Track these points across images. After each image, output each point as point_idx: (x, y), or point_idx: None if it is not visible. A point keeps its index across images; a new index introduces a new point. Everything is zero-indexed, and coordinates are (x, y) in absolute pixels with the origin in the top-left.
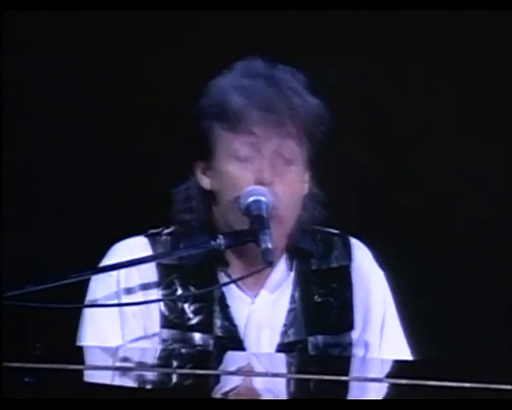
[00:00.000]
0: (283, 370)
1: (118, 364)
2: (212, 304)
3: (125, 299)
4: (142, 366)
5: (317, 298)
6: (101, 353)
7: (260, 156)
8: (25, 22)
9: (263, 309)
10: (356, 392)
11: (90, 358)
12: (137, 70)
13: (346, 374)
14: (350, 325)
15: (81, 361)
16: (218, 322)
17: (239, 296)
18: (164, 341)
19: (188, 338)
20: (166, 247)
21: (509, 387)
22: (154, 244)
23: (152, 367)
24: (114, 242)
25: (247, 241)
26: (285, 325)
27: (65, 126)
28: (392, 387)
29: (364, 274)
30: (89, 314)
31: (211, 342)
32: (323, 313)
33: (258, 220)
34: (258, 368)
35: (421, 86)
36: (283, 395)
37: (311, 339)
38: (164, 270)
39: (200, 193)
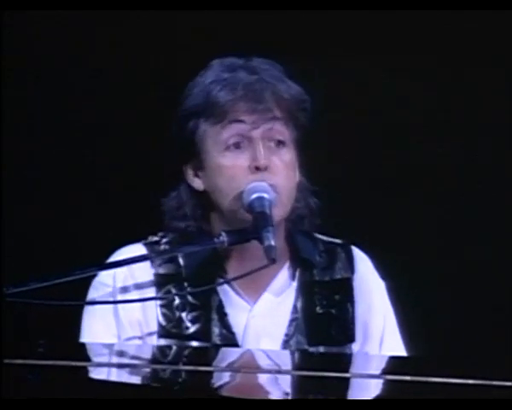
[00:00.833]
0: (285, 367)
1: (118, 360)
2: (210, 312)
3: (122, 308)
4: (145, 362)
5: (319, 309)
6: (102, 350)
7: (251, 143)
8: (25, 22)
9: (262, 315)
10: (357, 388)
11: (92, 355)
12: (137, 70)
13: (348, 371)
14: (351, 338)
15: (84, 358)
16: (216, 330)
17: (238, 303)
18: None
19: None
20: (164, 256)
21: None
22: (152, 253)
23: (156, 364)
24: (116, 239)
25: (250, 238)
26: (286, 335)
27: (65, 126)
28: (394, 383)
29: (366, 287)
30: (86, 324)
31: None
32: (325, 325)
33: (261, 217)
34: (258, 365)
35: (422, 87)
36: (286, 392)
37: (312, 350)
38: (161, 279)
39: (192, 197)
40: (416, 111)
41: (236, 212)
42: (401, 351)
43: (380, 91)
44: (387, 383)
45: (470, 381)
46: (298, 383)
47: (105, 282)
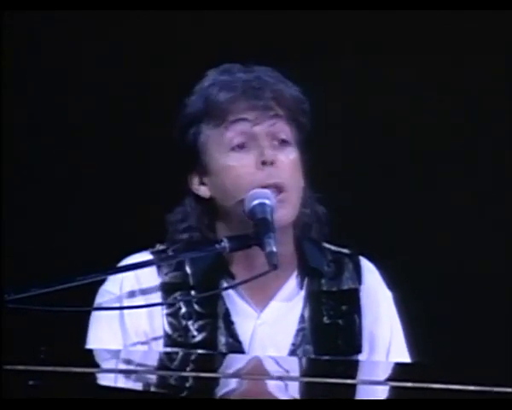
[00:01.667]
0: (291, 373)
1: (121, 366)
2: (217, 321)
3: (128, 316)
4: (150, 369)
5: (326, 319)
6: (105, 356)
7: (256, 140)
8: (25, 22)
9: (269, 323)
10: (362, 395)
11: (95, 361)
12: (138, 70)
13: (353, 377)
14: (358, 349)
15: (85, 364)
16: (222, 339)
17: (245, 311)
18: None
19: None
20: (171, 264)
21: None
22: (159, 261)
23: (161, 370)
24: (119, 244)
25: (252, 244)
26: (293, 344)
27: (65, 127)
28: (399, 390)
29: (373, 298)
30: (92, 332)
31: None
32: (332, 335)
33: (262, 223)
34: (264, 371)
35: (426, 90)
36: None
37: None
38: (168, 288)
39: (198, 207)
40: (430, 119)
41: (243, 214)
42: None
43: (390, 99)
44: (394, 390)
45: (473, 387)
46: (304, 390)
47: (111, 290)
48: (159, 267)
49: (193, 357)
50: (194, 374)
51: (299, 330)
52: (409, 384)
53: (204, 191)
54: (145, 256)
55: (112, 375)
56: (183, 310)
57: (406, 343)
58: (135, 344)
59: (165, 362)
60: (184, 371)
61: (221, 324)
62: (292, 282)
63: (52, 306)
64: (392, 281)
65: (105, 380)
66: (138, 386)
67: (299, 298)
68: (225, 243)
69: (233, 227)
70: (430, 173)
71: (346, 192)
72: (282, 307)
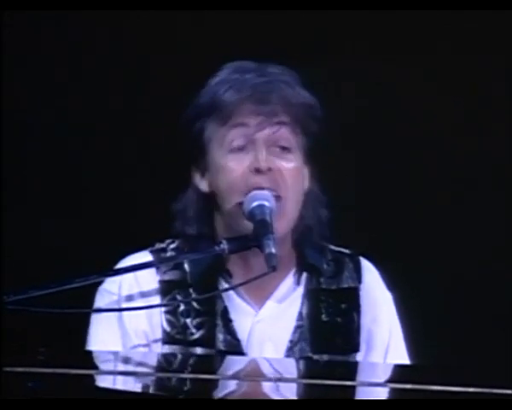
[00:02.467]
0: (289, 375)
1: (120, 368)
2: (215, 318)
3: (127, 315)
4: (150, 370)
5: (324, 317)
6: (105, 357)
7: (255, 145)
8: (25, 22)
9: (267, 321)
10: (361, 397)
11: (95, 362)
12: (138, 70)
13: (353, 379)
14: (355, 348)
15: (85, 366)
16: (220, 336)
17: (243, 309)
18: None
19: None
20: (170, 263)
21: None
22: (158, 260)
23: (160, 372)
24: (120, 244)
25: (251, 246)
26: (291, 342)
27: (65, 126)
28: (398, 392)
29: (373, 297)
30: (93, 332)
31: None
32: (330, 333)
33: (261, 225)
34: (263, 373)
35: (426, 91)
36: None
37: (316, 357)
38: (166, 286)
39: (198, 200)
40: (431, 120)
41: (236, 216)
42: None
43: (390, 99)
44: (393, 392)
45: (472, 389)
46: (303, 392)
47: (110, 289)
48: (158, 265)
49: (192, 358)
50: (192, 376)
51: (296, 328)
52: (408, 386)
53: (204, 186)
54: (144, 256)
55: (111, 377)
56: (182, 308)
57: (405, 344)
58: (134, 343)
59: (165, 364)
60: (183, 372)
61: (219, 321)
62: (289, 280)
63: (51, 307)
64: (392, 282)
65: (104, 382)
66: (137, 388)
67: (297, 296)
68: (224, 245)
69: (229, 223)
70: (431, 174)
71: (346, 193)
72: (279, 305)
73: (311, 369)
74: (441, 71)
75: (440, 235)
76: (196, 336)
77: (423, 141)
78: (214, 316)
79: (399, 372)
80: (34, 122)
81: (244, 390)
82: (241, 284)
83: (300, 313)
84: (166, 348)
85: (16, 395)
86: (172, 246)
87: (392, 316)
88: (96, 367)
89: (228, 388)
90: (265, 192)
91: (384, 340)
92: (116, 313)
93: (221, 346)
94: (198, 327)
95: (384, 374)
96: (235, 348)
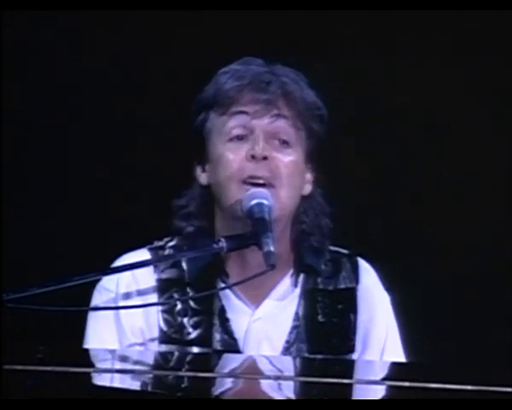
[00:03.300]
0: (287, 373)
1: (119, 366)
2: (212, 318)
3: (124, 313)
4: (147, 368)
5: (321, 318)
6: (103, 355)
7: (253, 134)
8: (25, 22)
9: (263, 321)
10: (359, 395)
11: (93, 360)
12: (138, 69)
13: (350, 377)
14: (352, 348)
15: (84, 364)
16: (217, 336)
17: (240, 308)
18: None
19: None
20: (168, 261)
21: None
22: (155, 258)
23: (158, 370)
24: (118, 243)
25: (250, 244)
26: (287, 342)
27: (65, 126)
28: (395, 389)
29: (370, 298)
30: (90, 329)
31: None
32: (326, 334)
33: (260, 223)
34: (260, 371)
35: (426, 91)
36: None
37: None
38: (164, 284)
39: (200, 194)
40: (431, 120)
41: (234, 203)
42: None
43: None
44: (390, 390)
45: (470, 387)
46: (300, 389)
47: (108, 287)
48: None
49: (189, 357)
50: (190, 374)
51: (293, 328)
52: (406, 384)
53: (203, 179)
54: (143, 253)
55: (109, 375)
56: (179, 307)
57: (402, 346)
58: (130, 341)
59: (162, 362)
60: (180, 370)
61: (216, 320)
62: (287, 280)
63: (51, 306)
64: (390, 284)
65: (103, 380)
66: (135, 386)
67: (293, 296)
68: (223, 243)
69: (228, 214)
70: (430, 174)
71: (345, 193)
72: (276, 305)
73: (308, 367)
74: (441, 71)
75: (439, 236)
76: (193, 335)
77: (423, 140)
78: (211, 315)
79: (397, 370)
80: (34, 122)
81: (241, 388)
82: (238, 283)
83: (297, 314)
84: (163, 348)
85: (16, 394)
86: (171, 244)
87: (389, 317)
88: (94, 365)
89: (225, 386)
90: (264, 190)
91: (380, 340)
92: (113, 311)
93: (218, 345)
94: (195, 326)
95: (381, 372)
96: (232, 348)
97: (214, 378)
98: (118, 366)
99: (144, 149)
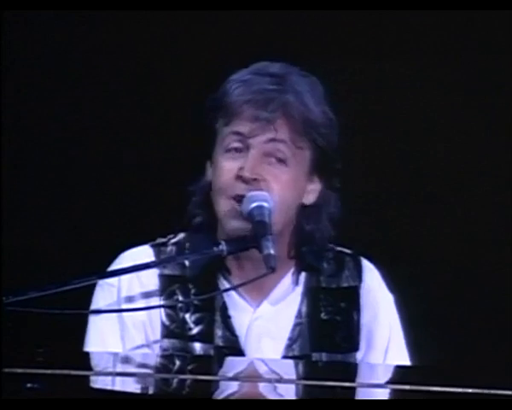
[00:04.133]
0: (289, 376)
1: (119, 369)
2: (214, 314)
3: (126, 307)
4: (148, 371)
5: (323, 315)
6: (103, 358)
7: (248, 152)
8: (25, 22)
9: (264, 318)
10: (361, 398)
11: (94, 363)
12: (138, 69)
13: (352, 380)
14: (355, 347)
15: (84, 367)
16: (218, 332)
17: (241, 306)
18: (164, 350)
19: (188, 348)
20: (170, 256)
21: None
22: (158, 255)
23: (159, 373)
24: (119, 246)
25: (250, 247)
26: (290, 339)
27: (65, 125)
28: (398, 393)
29: (373, 297)
30: (92, 325)
31: (211, 352)
32: (329, 331)
33: (260, 226)
34: (262, 374)
35: (426, 90)
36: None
37: (315, 355)
38: (165, 280)
39: (205, 186)
40: (432, 121)
41: (224, 215)
42: (406, 363)
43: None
44: (392, 393)
45: (471, 390)
46: (303, 393)
47: (110, 282)
48: (158, 259)
49: (191, 360)
50: (192, 377)
51: (295, 326)
52: (407, 387)
53: (208, 174)
54: (145, 250)
55: (110, 378)
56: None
57: (406, 345)
58: (132, 335)
59: (164, 365)
60: (182, 373)
61: (218, 317)
62: (288, 279)
63: (50, 308)
64: (393, 284)
65: (103, 383)
66: (137, 389)
67: (295, 294)
68: (223, 246)
69: (220, 220)
70: (434, 175)
71: (348, 193)
72: (277, 304)
73: (310, 370)
74: (441, 70)
75: (442, 236)
76: (195, 331)
77: (425, 141)
78: (213, 312)
79: (398, 373)
80: (34, 121)
81: (243, 392)
82: (240, 285)
83: (300, 311)
84: (165, 342)
85: (15, 396)
86: (173, 241)
87: (393, 316)
88: (95, 368)
89: (226, 389)
90: (264, 193)
91: (384, 339)
92: (115, 305)
93: (219, 342)
94: (197, 322)
95: (383, 375)
96: (233, 344)
97: (216, 381)
98: (119, 368)
99: (145, 147)
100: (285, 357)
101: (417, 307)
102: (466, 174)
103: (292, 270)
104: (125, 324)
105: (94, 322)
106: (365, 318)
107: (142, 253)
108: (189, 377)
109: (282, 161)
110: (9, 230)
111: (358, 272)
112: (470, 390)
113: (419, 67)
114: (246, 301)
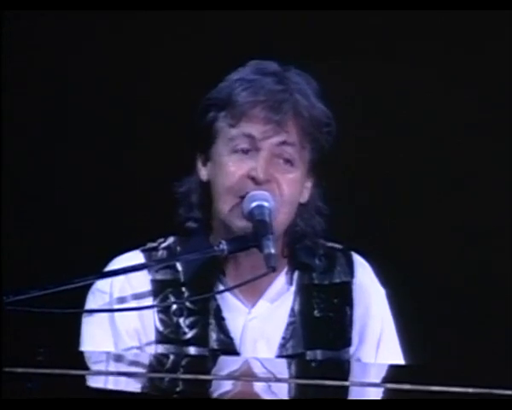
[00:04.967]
0: (283, 375)
1: (117, 369)
2: (208, 317)
3: (119, 315)
4: (144, 371)
5: (316, 313)
6: (101, 358)
7: (258, 153)
8: (25, 22)
9: (259, 319)
10: (354, 397)
11: (91, 363)
12: (137, 69)
13: (346, 379)
14: (348, 342)
15: (83, 367)
16: (213, 335)
17: (235, 306)
18: None
19: (183, 353)
20: (162, 261)
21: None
22: (149, 259)
23: (154, 372)
24: (115, 246)
25: (250, 246)
26: (284, 338)
27: (65, 126)
28: (392, 392)
29: (365, 292)
30: (85, 331)
31: (207, 355)
32: (323, 329)
33: (261, 225)
34: (256, 373)
35: (427, 90)
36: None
37: (309, 353)
38: (158, 285)
39: (199, 186)
40: (431, 119)
41: (230, 215)
42: (398, 358)
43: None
44: (386, 392)
45: (467, 389)
46: (297, 392)
47: (102, 289)
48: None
49: (185, 359)
50: (186, 376)
51: (289, 324)
52: (400, 386)
53: (203, 174)
54: (136, 255)
55: (108, 377)
56: (174, 307)
57: (399, 340)
58: (126, 342)
59: (159, 364)
60: (176, 373)
61: (212, 320)
62: (282, 278)
63: (51, 308)
64: (384, 278)
65: (101, 382)
66: (133, 388)
67: (289, 293)
68: (223, 246)
69: (223, 220)
70: (428, 169)
71: (340, 189)
72: (272, 303)
73: (304, 369)
74: (441, 70)
75: (435, 231)
76: (189, 335)
77: (422, 139)
78: (207, 315)
79: (392, 372)
80: (34, 121)
81: (238, 391)
82: (237, 286)
83: (292, 310)
84: (160, 348)
85: (16, 396)
86: (164, 245)
87: (385, 310)
88: (93, 368)
89: (220, 388)
90: (265, 192)
91: (376, 333)
92: (108, 313)
93: (214, 345)
94: (191, 326)
95: (377, 374)
96: (228, 347)
97: (210, 381)
98: (116, 368)
99: (145, 149)
100: (279, 356)
101: (409, 302)
102: (461, 169)
103: (285, 269)
104: (118, 331)
105: (87, 329)
106: (358, 313)
107: (133, 258)
108: (183, 376)
109: (289, 161)
110: (10, 229)
111: (350, 268)
112: (470, 390)
113: (418, 65)
114: (240, 301)
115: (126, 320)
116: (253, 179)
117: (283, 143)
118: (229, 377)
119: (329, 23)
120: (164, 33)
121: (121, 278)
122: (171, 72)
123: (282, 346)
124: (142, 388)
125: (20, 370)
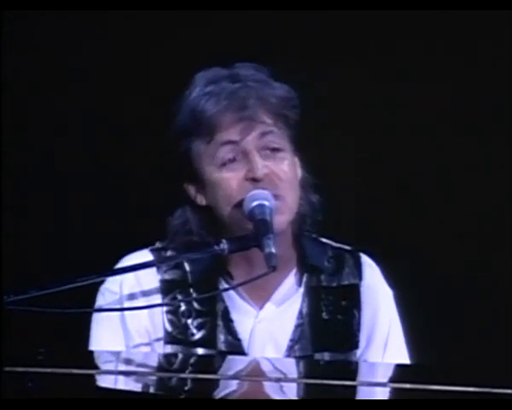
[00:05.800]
0: (291, 375)
1: (121, 368)
2: (216, 319)
3: (129, 315)
4: (150, 370)
5: (325, 315)
6: (106, 357)
7: (246, 155)
8: (25, 22)
9: (268, 321)
10: (362, 397)
11: (96, 362)
12: (137, 69)
13: (353, 379)
14: (356, 344)
15: (84, 366)
16: (221, 337)
17: (244, 309)
18: None
19: (191, 354)
20: (171, 262)
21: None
22: (158, 259)
23: (162, 372)
24: (118, 246)
25: (251, 245)
26: (291, 340)
27: (65, 126)
28: (400, 391)
29: (373, 294)
30: (94, 332)
31: None
32: (331, 331)
33: (261, 225)
34: (264, 373)
35: (426, 90)
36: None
37: (317, 356)
38: (167, 285)
39: (196, 213)
40: (433, 116)
41: (239, 223)
42: (404, 359)
43: (390, 98)
44: (394, 392)
45: (473, 389)
46: (304, 391)
47: (112, 289)
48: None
49: (192, 358)
50: (193, 376)
51: (297, 326)
52: (408, 386)
53: (200, 200)
54: (144, 254)
55: (112, 376)
56: (183, 308)
57: (405, 341)
58: (137, 342)
59: (165, 364)
60: (184, 372)
61: (220, 322)
62: (290, 279)
63: (52, 307)
64: (392, 280)
65: (104, 382)
66: (138, 387)
67: (297, 295)
68: (224, 245)
69: (232, 232)
70: (433, 170)
71: (347, 189)
72: (280, 305)
73: (312, 369)
74: (440, 70)
75: (442, 233)
76: (197, 336)
77: (424, 139)
78: (215, 316)
79: (400, 372)
80: (34, 121)
81: (245, 390)
82: (241, 284)
83: (301, 312)
84: (168, 348)
85: (16, 395)
86: (172, 245)
87: (392, 312)
88: (96, 367)
89: (227, 388)
90: (265, 192)
91: (383, 335)
92: (118, 313)
93: (222, 346)
94: (199, 328)
95: (384, 374)
96: (237, 349)
97: (218, 380)
98: (121, 367)
99: (146, 149)
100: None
101: (417, 303)
102: (467, 169)
103: (294, 270)
104: (129, 332)
105: (97, 332)
106: (366, 315)
107: (142, 257)
108: (190, 375)
109: (275, 149)
110: (10, 228)
111: (358, 270)
112: (472, 389)
113: (417, 64)
114: (248, 303)
115: (137, 320)
116: (252, 180)
117: (263, 134)
118: (237, 376)
119: (329, 23)
120: (164, 33)
121: (131, 277)
122: (171, 72)
123: (290, 348)
124: (148, 387)
125: (20, 369)
